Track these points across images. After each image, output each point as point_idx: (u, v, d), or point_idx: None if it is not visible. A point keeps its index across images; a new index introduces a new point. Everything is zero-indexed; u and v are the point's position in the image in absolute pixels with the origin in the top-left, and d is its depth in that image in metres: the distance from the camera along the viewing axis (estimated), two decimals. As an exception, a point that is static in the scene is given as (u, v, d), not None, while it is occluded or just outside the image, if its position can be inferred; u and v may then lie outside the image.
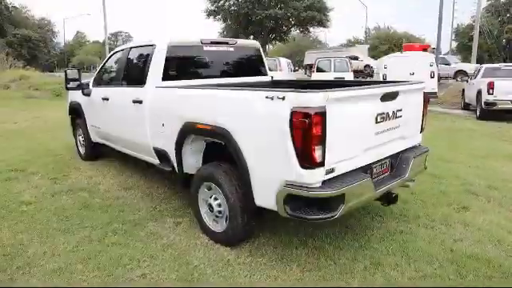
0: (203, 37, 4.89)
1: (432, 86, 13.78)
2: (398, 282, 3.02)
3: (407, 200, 4.67)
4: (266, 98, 2.95)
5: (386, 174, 3.56)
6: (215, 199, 3.65)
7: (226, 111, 3.39)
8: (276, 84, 5.61)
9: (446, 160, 6.60)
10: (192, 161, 4.07)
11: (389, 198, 3.48)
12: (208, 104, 3.64)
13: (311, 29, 28.67)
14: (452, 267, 3.18)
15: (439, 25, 20.71)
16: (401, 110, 3.46)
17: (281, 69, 17.43)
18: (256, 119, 3.05)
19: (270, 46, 38.62)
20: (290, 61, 21.36)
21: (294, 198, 2.87)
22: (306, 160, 2.75)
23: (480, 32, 27.54)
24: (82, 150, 6.93)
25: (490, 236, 3.72)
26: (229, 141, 3.31)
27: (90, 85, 6.16)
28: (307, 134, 2.70)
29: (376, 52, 37.51)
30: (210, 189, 3.70)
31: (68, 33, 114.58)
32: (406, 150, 3.77)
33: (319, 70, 16.97)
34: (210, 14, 31.65)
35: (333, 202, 2.86)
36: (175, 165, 4.11)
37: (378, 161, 3.39)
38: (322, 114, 2.69)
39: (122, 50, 5.66)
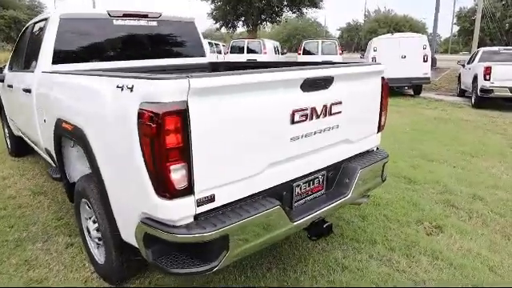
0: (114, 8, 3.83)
1: (424, 70, 12.64)
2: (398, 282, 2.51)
3: (367, 215, 3.66)
4: (117, 87, 1.93)
5: (319, 194, 2.53)
6: (94, 222, 2.68)
7: (80, 106, 2.40)
8: (214, 68, 4.57)
9: (429, 158, 5.58)
10: (82, 167, 3.05)
11: (319, 229, 2.45)
12: (70, 95, 2.62)
13: (304, 10, 27.19)
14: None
15: (437, 7, 19.50)
16: (340, 104, 2.41)
17: (265, 51, 16.23)
18: (107, 119, 2.03)
19: (265, 28, 37.16)
20: (277, 43, 20.12)
21: (154, 239, 1.87)
22: (161, 185, 1.74)
23: (482, 15, 26.15)
24: (10, 144, 5.99)
25: (463, 276, 2.72)
26: (85, 147, 2.31)
27: (6, 69, 5.14)
28: (157, 145, 1.68)
29: (375, 36, 35.91)
30: (90, 207, 2.70)
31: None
32: (352, 158, 2.74)
33: (306, 52, 15.79)
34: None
35: (210, 247, 1.85)
36: None
37: (303, 176, 2.37)
38: (179, 114, 1.66)
39: (30, 26, 4.60)
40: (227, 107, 1.82)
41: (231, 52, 16.94)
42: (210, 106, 1.74)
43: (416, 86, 13.30)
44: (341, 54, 15.45)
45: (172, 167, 1.69)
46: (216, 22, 28.88)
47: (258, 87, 1.91)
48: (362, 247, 3.09)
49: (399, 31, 22.68)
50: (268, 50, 16.57)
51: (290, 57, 27.13)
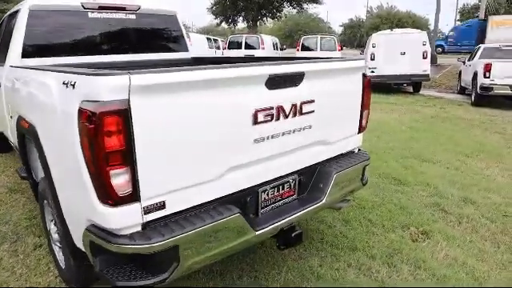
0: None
1: (424, 67, 12.40)
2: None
3: (350, 219, 3.50)
4: (63, 84, 1.77)
5: (290, 199, 2.36)
6: (54, 224, 2.54)
7: (34, 103, 2.26)
8: (197, 63, 4.40)
9: (423, 158, 5.40)
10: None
11: (287, 238, 2.28)
12: (27, 92, 2.47)
13: (305, 5, 26.88)
14: None
15: (437, 7, 19.25)
16: (312, 102, 2.24)
17: (263, 47, 16.02)
18: (55, 118, 1.87)
19: (267, 24, 36.86)
20: (277, 39, 19.87)
21: (100, 248, 1.72)
22: (103, 191, 1.58)
23: (486, 12, 25.80)
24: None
25: None
26: (38, 147, 2.16)
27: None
28: (96, 147, 1.51)
29: (378, 32, 35.53)
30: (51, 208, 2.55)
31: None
32: (330, 160, 2.57)
33: (305, 48, 15.57)
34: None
35: (159, 259, 1.69)
36: None
37: (270, 181, 2.20)
38: (120, 114, 1.50)
39: (5, 18, 4.45)
40: (177, 106, 1.65)
41: (229, 47, 16.74)
42: (156, 104, 1.58)
43: (415, 83, 13.08)
44: (340, 49, 15.21)
45: (113, 172, 1.53)
46: (216, 18, 28.65)
47: (212, 84, 1.74)
48: (342, 254, 2.92)
49: (402, 27, 22.31)
50: (266, 45, 16.37)
51: (290, 53, 26.89)
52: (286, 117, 2.10)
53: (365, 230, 3.32)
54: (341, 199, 2.64)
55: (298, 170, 2.36)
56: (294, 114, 2.14)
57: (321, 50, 15.25)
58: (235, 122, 1.87)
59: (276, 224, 2.11)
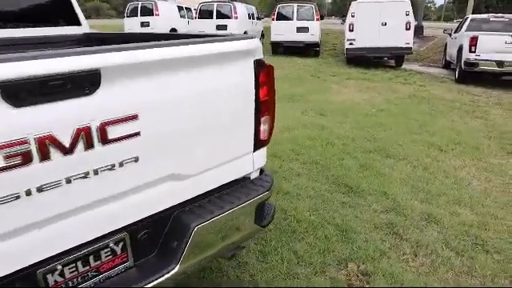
0: None
1: (406, 39, 11.39)
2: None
3: (270, 251, 2.64)
4: None
5: (120, 270, 1.45)
6: None
7: None
8: (90, 40, 3.34)
9: (387, 153, 4.52)
10: None
11: None
12: None
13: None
14: None
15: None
16: (132, 119, 1.29)
17: (236, 16, 14.71)
18: None
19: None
20: (253, 7, 18.45)
21: None
22: None
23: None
24: None
25: None
26: None
27: None
28: None
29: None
30: None
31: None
32: (195, 200, 1.65)
33: (281, 16, 14.31)
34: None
35: None
36: None
37: (70, 250, 1.28)
38: None
39: None
40: None
41: (200, 17, 15.39)
42: None
43: (397, 57, 12.08)
44: (318, 19, 14.01)
45: None
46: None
47: None
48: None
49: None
50: (240, 14, 15.07)
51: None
52: (70, 151, 1.15)
53: (284, 269, 2.45)
54: (215, 258, 1.73)
55: (129, 226, 1.43)
56: (89, 145, 1.19)
57: (297, 19, 14.03)
58: None
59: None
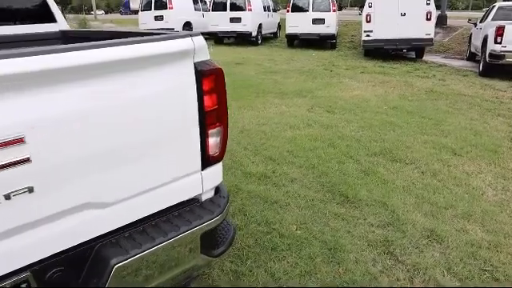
0: None
1: (427, 30, 10.77)
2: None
3: (243, 271, 2.33)
4: None
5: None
6: None
7: None
8: (67, 40, 3.12)
9: (394, 156, 4.14)
10: None
11: None
12: None
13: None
14: None
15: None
16: (17, 143, 1.02)
17: (250, 8, 14.31)
18: None
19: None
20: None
21: None
22: None
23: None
24: None
25: None
26: None
27: None
28: None
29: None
30: None
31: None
32: (122, 230, 1.38)
33: (295, 8, 13.86)
34: None
35: None
36: None
37: None
38: None
39: None
40: None
41: (214, 9, 15.09)
42: None
43: (417, 49, 11.47)
44: (334, 10, 13.48)
45: None
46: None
47: None
48: None
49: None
50: (254, 6, 14.66)
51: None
52: None
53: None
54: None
55: (32, 265, 1.18)
56: None
57: (313, 10, 13.53)
58: None
59: None
